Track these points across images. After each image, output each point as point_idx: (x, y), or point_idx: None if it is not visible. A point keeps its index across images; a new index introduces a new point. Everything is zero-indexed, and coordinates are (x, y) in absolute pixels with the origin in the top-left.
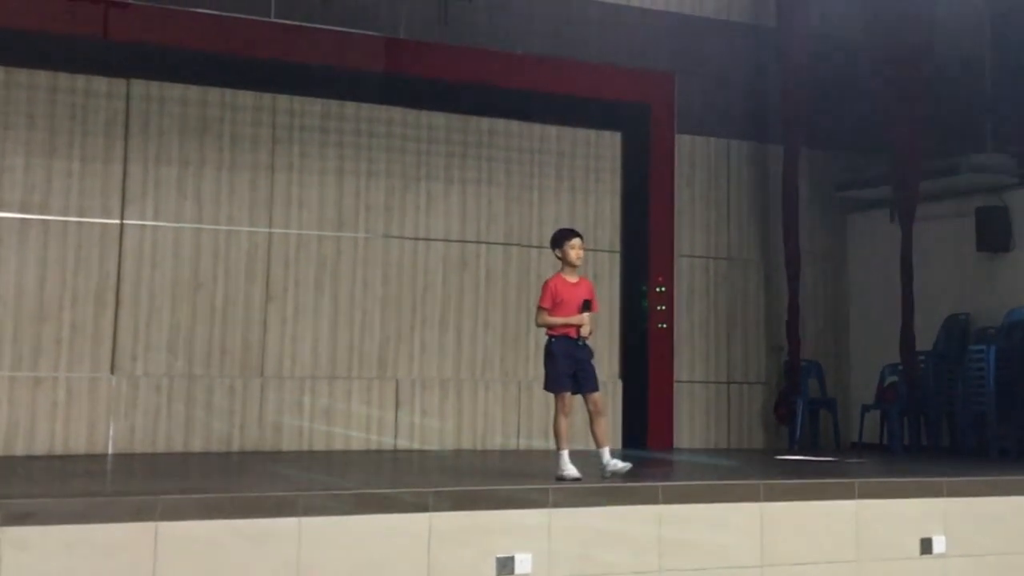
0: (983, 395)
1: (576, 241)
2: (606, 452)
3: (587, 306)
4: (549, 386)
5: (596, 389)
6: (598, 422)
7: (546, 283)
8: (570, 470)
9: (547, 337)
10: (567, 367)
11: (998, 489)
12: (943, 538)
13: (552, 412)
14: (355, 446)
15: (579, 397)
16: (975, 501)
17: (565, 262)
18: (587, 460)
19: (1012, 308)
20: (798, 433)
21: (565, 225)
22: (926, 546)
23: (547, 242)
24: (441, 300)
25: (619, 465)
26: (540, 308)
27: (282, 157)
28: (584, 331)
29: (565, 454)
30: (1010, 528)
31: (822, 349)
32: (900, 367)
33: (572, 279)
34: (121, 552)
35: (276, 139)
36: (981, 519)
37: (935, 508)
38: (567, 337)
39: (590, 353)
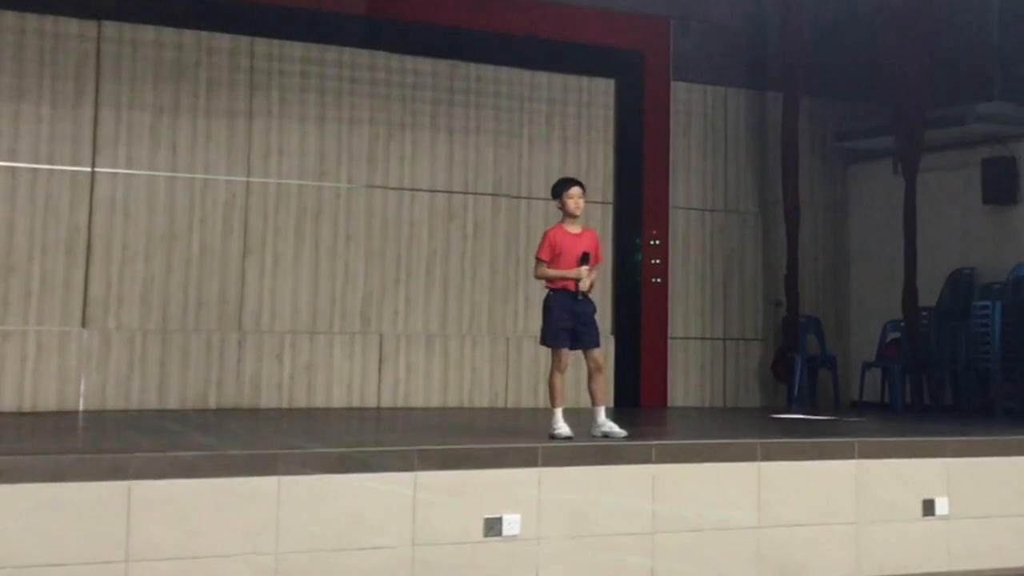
0: (988, 352)
1: (575, 190)
2: (601, 411)
3: (585, 259)
4: (544, 340)
5: (596, 345)
6: (596, 379)
7: (545, 233)
8: (563, 428)
9: (546, 290)
10: (564, 321)
11: (1003, 449)
12: (946, 499)
13: (547, 368)
14: (337, 403)
15: (578, 353)
16: (979, 461)
17: (565, 212)
18: (579, 418)
19: (1019, 263)
20: (796, 391)
21: (556, 175)
22: (928, 507)
23: (537, 193)
24: (427, 253)
25: (615, 429)
26: (538, 259)
27: (261, 103)
28: (583, 285)
29: (559, 412)
30: (1015, 489)
31: (822, 304)
32: (902, 323)
33: (574, 229)
34: (94, 511)
35: (254, 84)
36: (985, 480)
37: (938, 468)
38: (566, 290)
39: (592, 308)
